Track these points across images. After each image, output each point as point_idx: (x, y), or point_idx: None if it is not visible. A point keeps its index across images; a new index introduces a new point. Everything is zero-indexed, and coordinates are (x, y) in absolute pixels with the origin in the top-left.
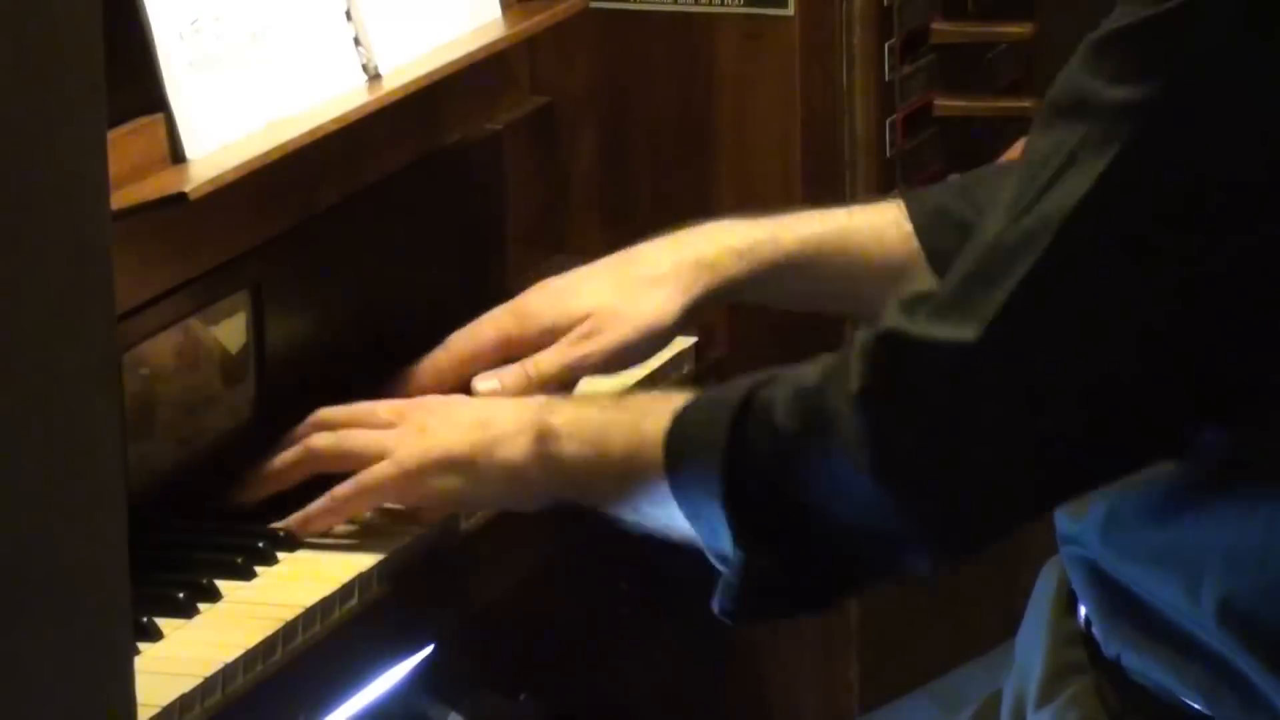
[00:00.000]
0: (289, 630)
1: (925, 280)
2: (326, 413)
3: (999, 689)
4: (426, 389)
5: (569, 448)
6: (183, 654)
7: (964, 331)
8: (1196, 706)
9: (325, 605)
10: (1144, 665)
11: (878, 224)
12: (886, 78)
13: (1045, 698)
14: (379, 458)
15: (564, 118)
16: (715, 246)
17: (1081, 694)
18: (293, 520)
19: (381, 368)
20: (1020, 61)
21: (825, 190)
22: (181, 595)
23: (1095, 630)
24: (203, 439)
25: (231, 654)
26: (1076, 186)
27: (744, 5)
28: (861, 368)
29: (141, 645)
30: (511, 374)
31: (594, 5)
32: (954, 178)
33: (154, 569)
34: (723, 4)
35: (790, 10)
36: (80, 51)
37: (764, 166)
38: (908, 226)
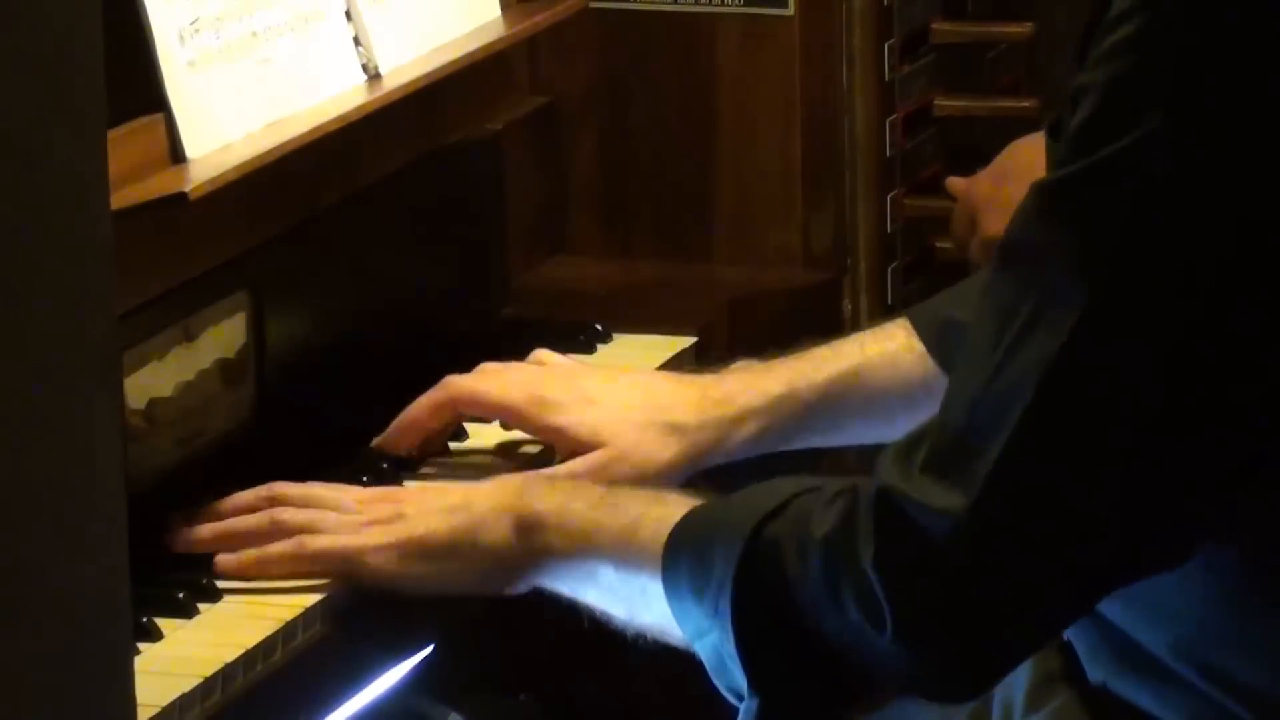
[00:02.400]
0: (289, 630)
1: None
2: (283, 487)
3: (991, 694)
4: (418, 427)
5: (555, 542)
6: (183, 654)
7: (954, 499)
8: None
9: (325, 605)
10: (1128, 691)
11: (890, 351)
12: (886, 78)
13: (1031, 706)
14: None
15: (564, 118)
16: (736, 408)
17: (1067, 707)
18: (245, 556)
19: (381, 368)
20: (1020, 61)
21: (825, 190)
22: (181, 595)
23: (1079, 655)
24: (203, 439)
25: (231, 654)
26: (1049, 340)
27: (744, 5)
28: (870, 528)
29: (141, 645)
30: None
31: (594, 5)
32: (952, 286)
33: (154, 569)
34: (723, 4)
35: (790, 10)
36: (80, 51)
37: (764, 166)
38: (919, 347)
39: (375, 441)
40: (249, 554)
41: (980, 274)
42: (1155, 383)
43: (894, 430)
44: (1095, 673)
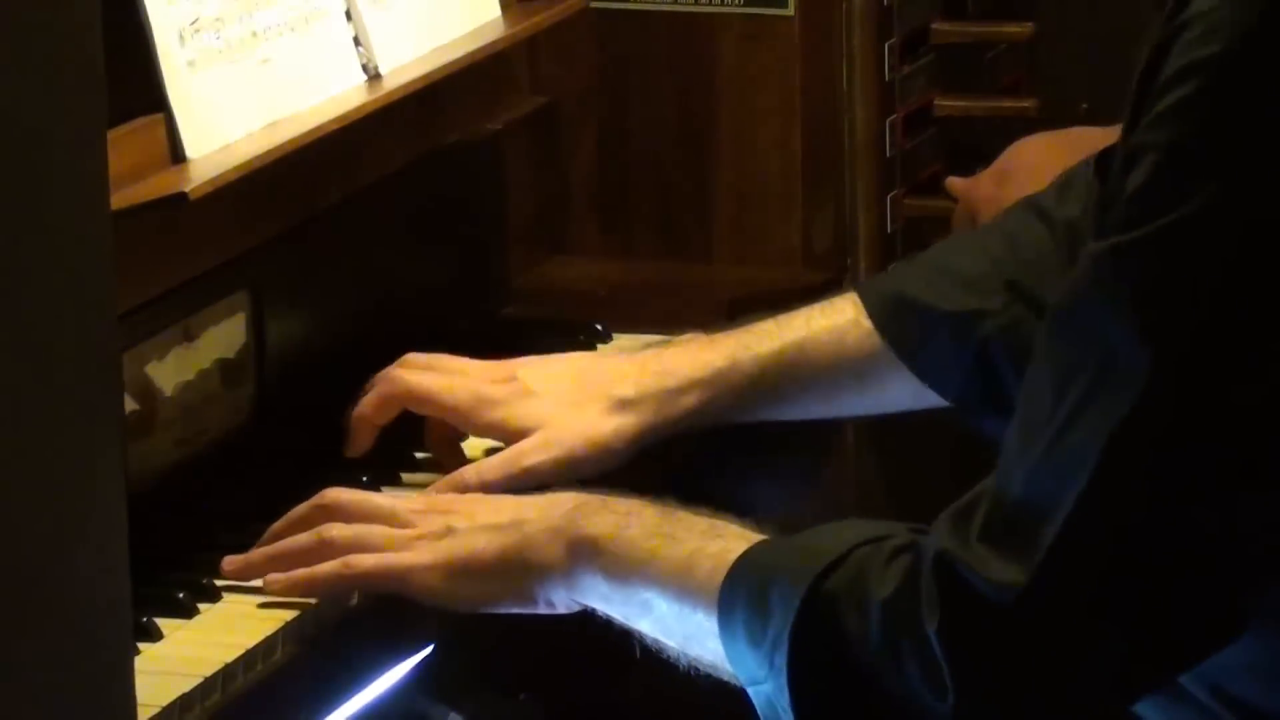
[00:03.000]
0: (289, 630)
1: (889, 374)
2: (336, 496)
3: None
4: (368, 424)
5: (611, 570)
6: (183, 654)
7: (1014, 573)
8: None
9: (325, 605)
10: (1141, 708)
11: (837, 326)
12: (886, 78)
13: None
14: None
15: (564, 118)
16: (677, 379)
17: None
18: (296, 575)
19: (381, 368)
20: (1020, 61)
21: (825, 190)
22: (181, 595)
23: None
24: (203, 439)
25: (231, 654)
26: (1112, 409)
27: (744, 5)
28: (934, 594)
29: (141, 645)
30: (449, 481)
31: (594, 5)
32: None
33: (154, 569)
34: (723, 4)
35: (790, 10)
36: (80, 51)
37: (764, 166)
38: (867, 323)
39: (347, 452)
40: (299, 574)
41: (934, 248)
42: (1224, 447)
43: (840, 405)
44: None
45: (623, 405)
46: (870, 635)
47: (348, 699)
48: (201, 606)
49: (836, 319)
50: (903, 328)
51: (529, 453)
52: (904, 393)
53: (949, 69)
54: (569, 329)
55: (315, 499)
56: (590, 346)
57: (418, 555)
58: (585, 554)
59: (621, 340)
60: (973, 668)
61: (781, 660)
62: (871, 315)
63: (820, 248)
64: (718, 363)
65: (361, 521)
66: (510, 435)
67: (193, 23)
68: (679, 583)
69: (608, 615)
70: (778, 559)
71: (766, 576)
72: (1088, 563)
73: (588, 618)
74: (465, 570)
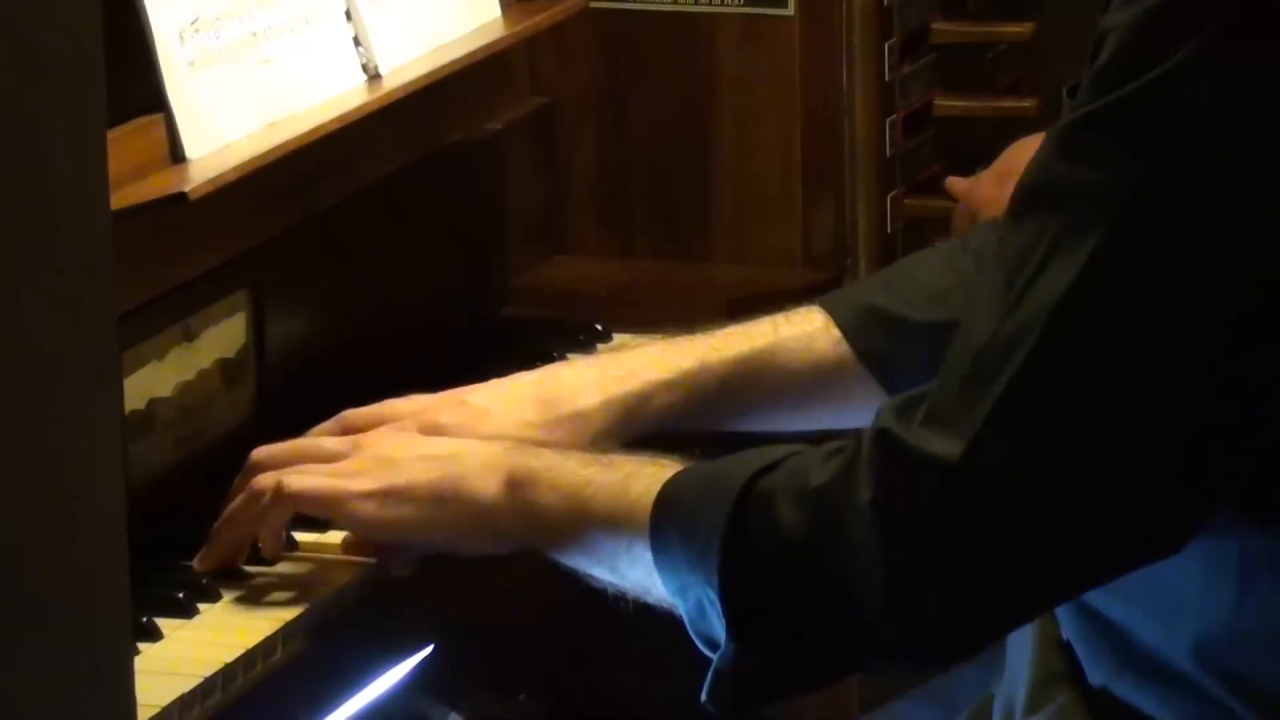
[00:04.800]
0: (289, 630)
1: (855, 384)
2: (262, 451)
3: (992, 692)
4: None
5: (546, 496)
6: (183, 654)
7: (950, 446)
8: None
9: (325, 605)
10: (1129, 693)
11: (805, 333)
12: (886, 78)
13: (1032, 706)
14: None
15: (564, 118)
16: (642, 382)
17: (1069, 708)
18: (234, 516)
19: (381, 368)
20: (1020, 61)
21: (825, 190)
22: (181, 595)
23: (1079, 656)
24: (203, 439)
25: (231, 654)
26: (1061, 276)
27: (744, 5)
28: (869, 476)
29: (141, 645)
30: None
31: (594, 5)
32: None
33: (154, 569)
34: (723, 4)
35: (790, 10)
36: (80, 51)
37: (764, 166)
38: (835, 332)
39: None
40: (240, 514)
41: (903, 260)
42: (1171, 318)
43: (807, 417)
44: (1095, 675)
45: (588, 416)
46: (805, 520)
47: (348, 699)
48: (201, 606)
49: (805, 326)
50: (871, 339)
51: None
52: (866, 405)
53: (949, 69)
54: (569, 329)
55: (246, 464)
56: (590, 347)
57: (353, 482)
58: (523, 485)
59: (621, 340)
60: (904, 541)
61: (713, 551)
62: (840, 325)
63: (820, 248)
64: (685, 364)
65: (288, 462)
66: None
67: (193, 23)
68: (614, 501)
69: (539, 549)
70: (713, 470)
71: (702, 485)
72: (1021, 437)
73: (587, 617)
74: (399, 496)
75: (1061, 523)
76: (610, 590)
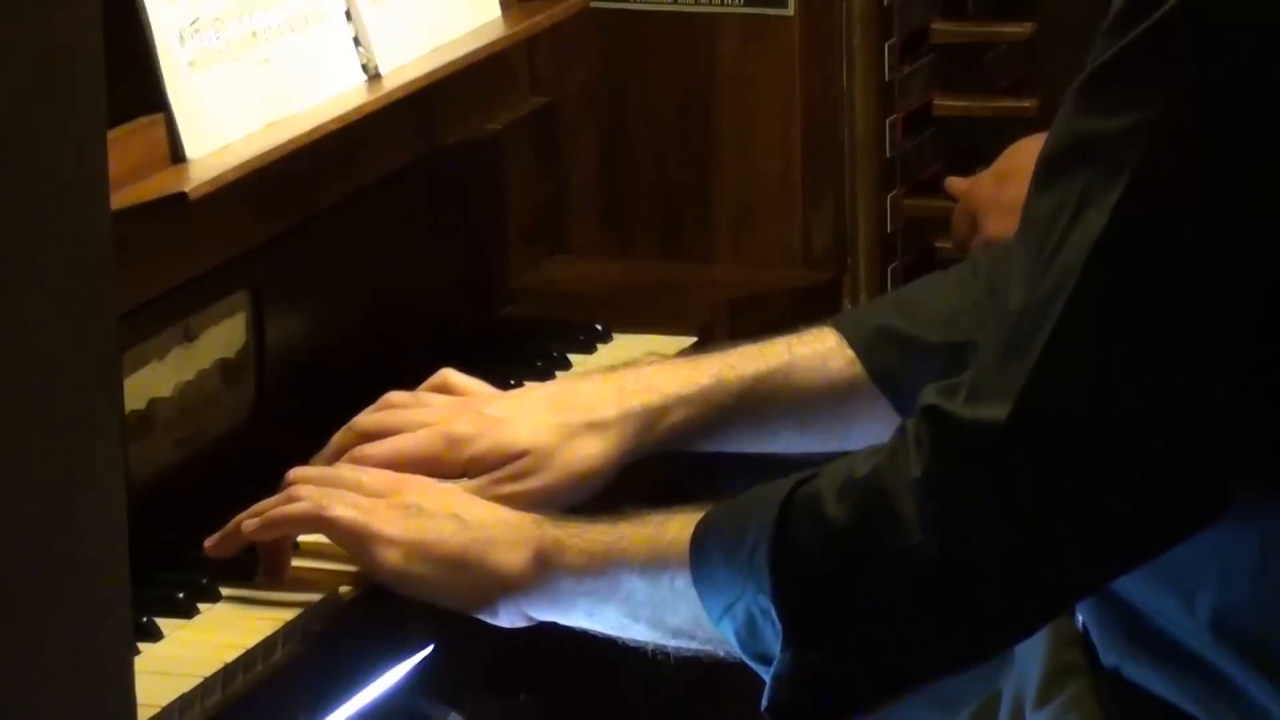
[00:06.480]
0: (289, 630)
1: (866, 405)
2: (302, 472)
3: (998, 689)
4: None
5: (576, 561)
6: (183, 654)
7: (998, 410)
8: (1195, 715)
9: (325, 605)
10: (1141, 675)
11: (819, 353)
12: (886, 78)
13: (1043, 698)
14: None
15: (564, 118)
16: (661, 396)
17: (1080, 697)
18: (268, 515)
19: (381, 368)
20: (1020, 61)
21: (825, 190)
22: (181, 595)
23: (1093, 638)
24: (203, 439)
25: (231, 654)
26: (1094, 224)
27: (744, 5)
28: (918, 453)
29: (141, 645)
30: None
31: (594, 5)
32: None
33: (154, 569)
34: (723, 4)
35: (790, 10)
36: (80, 51)
37: (764, 166)
38: (849, 352)
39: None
40: (274, 513)
41: (913, 283)
42: (1206, 251)
43: (819, 436)
44: (1109, 656)
45: (605, 427)
46: (853, 507)
47: (348, 699)
48: (201, 606)
49: (818, 346)
50: (884, 359)
51: (506, 483)
52: (876, 425)
53: (949, 69)
54: (569, 329)
55: (284, 481)
56: (590, 347)
57: (385, 525)
58: (550, 554)
59: (622, 340)
60: (959, 512)
61: (762, 558)
62: (853, 345)
63: (820, 248)
64: (703, 381)
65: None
66: (491, 469)
67: (193, 23)
68: (649, 545)
69: (571, 621)
70: (751, 493)
71: (742, 506)
72: (1067, 388)
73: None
74: (426, 554)
75: (1112, 473)
76: (652, 647)
